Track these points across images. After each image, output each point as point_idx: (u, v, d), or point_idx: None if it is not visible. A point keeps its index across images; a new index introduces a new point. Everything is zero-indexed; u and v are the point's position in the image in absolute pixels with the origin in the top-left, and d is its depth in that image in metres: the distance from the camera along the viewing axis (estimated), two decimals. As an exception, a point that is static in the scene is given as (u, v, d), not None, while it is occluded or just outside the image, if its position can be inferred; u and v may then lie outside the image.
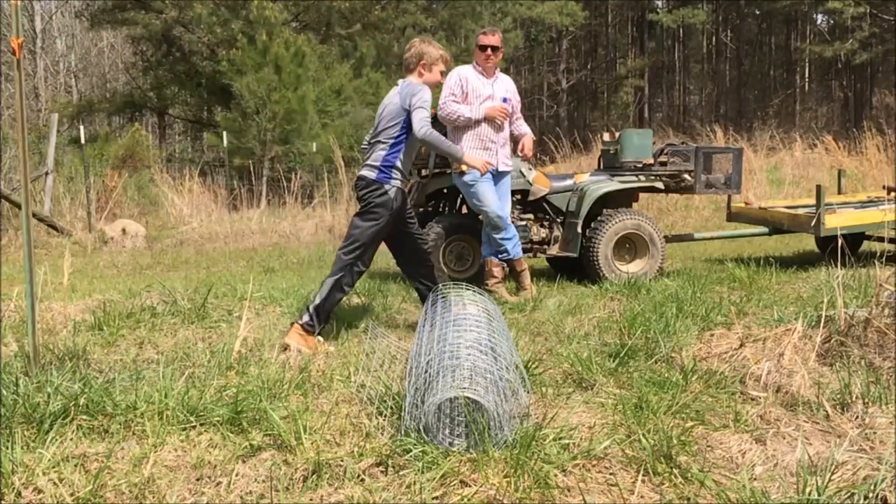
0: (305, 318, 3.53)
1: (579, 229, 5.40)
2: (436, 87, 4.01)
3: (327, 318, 3.66)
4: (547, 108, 33.44)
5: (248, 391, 2.60)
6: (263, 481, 2.04)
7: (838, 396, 2.55)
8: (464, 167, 4.87)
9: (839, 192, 7.27)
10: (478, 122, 4.90)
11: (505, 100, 4.96)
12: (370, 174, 3.75)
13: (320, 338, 3.58)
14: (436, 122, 5.32)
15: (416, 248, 3.96)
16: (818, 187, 5.69)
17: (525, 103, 12.89)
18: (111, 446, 2.22)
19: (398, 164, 3.76)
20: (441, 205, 5.85)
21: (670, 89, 36.45)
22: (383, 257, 7.73)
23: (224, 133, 14.32)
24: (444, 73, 3.99)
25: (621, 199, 5.75)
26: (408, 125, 3.73)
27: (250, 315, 3.79)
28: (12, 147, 11.17)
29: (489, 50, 4.93)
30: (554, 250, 5.60)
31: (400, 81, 3.91)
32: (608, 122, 29.73)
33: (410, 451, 2.11)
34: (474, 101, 4.89)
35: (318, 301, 3.58)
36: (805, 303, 4.11)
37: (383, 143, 3.76)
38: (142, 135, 16.32)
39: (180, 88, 22.00)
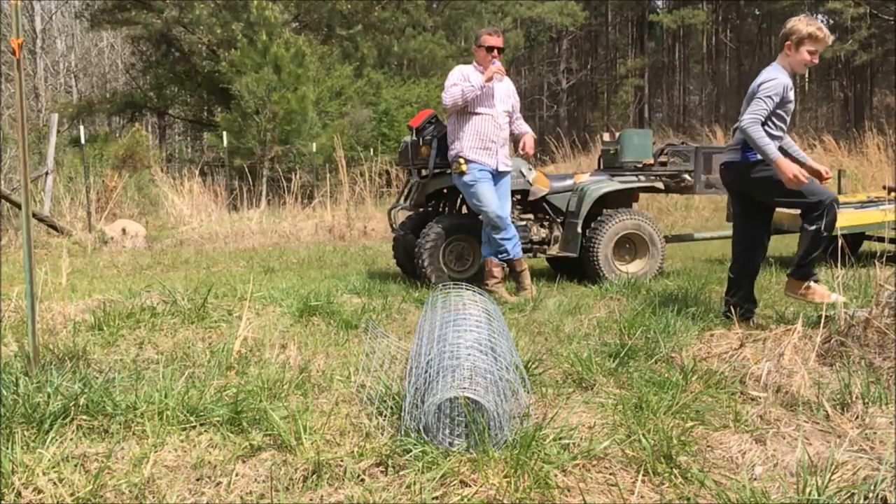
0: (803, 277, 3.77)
1: (579, 229, 5.40)
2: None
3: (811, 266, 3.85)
4: (547, 108, 33.44)
5: (248, 391, 2.59)
6: (263, 481, 2.03)
7: (838, 396, 2.55)
8: (463, 167, 4.87)
9: (839, 192, 7.26)
10: (478, 118, 4.89)
11: (496, 60, 4.93)
12: (733, 157, 3.77)
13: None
14: (438, 123, 5.33)
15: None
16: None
17: (525, 103, 12.88)
18: (111, 446, 2.22)
19: None
20: (441, 205, 5.85)
21: (670, 89, 36.47)
22: (383, 258, 7.74)
23: (224, 133, 14.32)
24: (813, 53, 3.62)
25: (621, 200, 5.75)
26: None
27: (250, 315, 3.79)
28: (12, 147, 11.16)
29: (496, 51, 4.94)
30: (554, 250, 5.60)
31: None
32: (608, 122, 29.74)
33: (410, 451, 2.11)
34: (475, 100, 4.89)
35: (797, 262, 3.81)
36: (805, 303, 4.10)
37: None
38: (142, 135, 16.35)
39: (180, 88, 22.05)
